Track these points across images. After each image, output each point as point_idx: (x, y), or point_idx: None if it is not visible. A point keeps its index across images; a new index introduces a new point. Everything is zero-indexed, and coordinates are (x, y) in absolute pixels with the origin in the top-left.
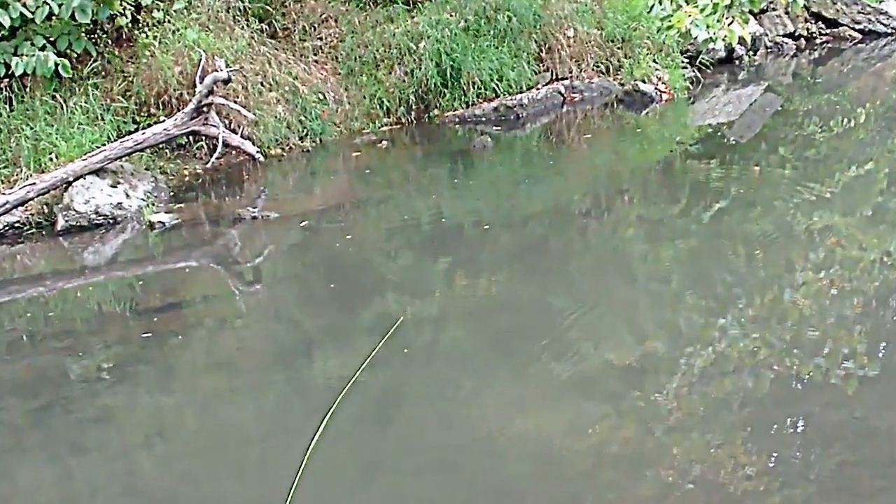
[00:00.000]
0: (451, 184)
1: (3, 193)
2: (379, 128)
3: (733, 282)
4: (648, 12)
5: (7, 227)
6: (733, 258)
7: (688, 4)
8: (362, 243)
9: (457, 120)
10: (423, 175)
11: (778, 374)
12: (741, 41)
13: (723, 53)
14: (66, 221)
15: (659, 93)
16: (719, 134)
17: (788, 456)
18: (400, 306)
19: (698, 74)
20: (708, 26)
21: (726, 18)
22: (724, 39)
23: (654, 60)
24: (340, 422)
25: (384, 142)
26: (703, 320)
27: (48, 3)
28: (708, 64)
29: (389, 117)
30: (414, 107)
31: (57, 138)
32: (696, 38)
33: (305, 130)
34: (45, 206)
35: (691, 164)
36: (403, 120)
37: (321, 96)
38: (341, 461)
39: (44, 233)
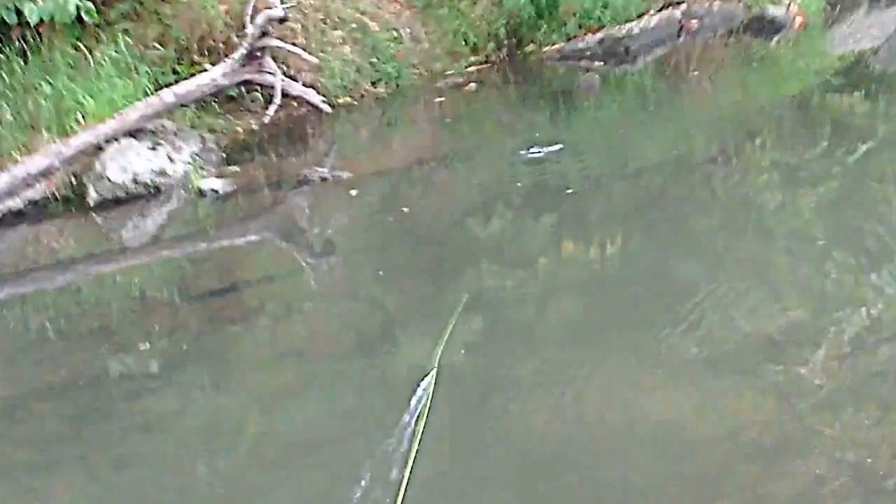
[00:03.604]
0: (553, 131)
1: (22, 164)
2: (465, 68)
3: (886, 233)
4: None
5: (29, 204)
6: (885, 207)
7: None
8: (450, 205)
9: (556, 56)
10: (519, 122)
11: None
12: None
13: None
14: (99, 194)
15: (791, 17)
16: (862, 63)
17: None
18: (497, 278)
19: None
20: None
21: None
22: None
23: None
24: (433, 417)
25: (472, 84)
26: (854, 280)
27: None
28: None
29: (477, 55)
30: (505, 42)
31: (83, 95)
32: None
33: (378, 74)
34: (72, 177)
35: (831, 98)
36: (493, 58)
37: (395, 34)
38: (438, 467)
39: (73, 208)
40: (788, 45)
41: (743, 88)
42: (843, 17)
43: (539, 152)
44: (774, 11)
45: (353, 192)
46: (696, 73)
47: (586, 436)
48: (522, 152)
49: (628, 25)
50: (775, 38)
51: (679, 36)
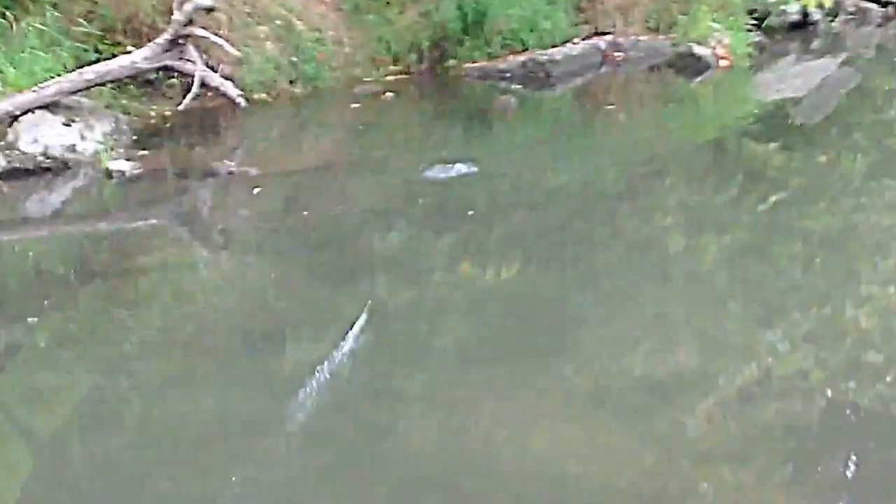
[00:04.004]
0: (464, 149)
1: None
2: (384, 76)
3: (786, 288)
4: None
5: None
6: (788, 261)
7: None
8: (353, 211)
9: (476, 74)
10: (431, 136)
11: (831, 401)
12: (818, 4)
13: (796, 17)
14: (9, 162)
15: (717, 58)
16: (783, 112)
17: (837, 501)
18: (390, 290)
19: (765, 40)
20: None
21: None
22: (800, 2)
23: (715, 20)
24: (312, 426)
25: (389, 93)
26: (748, 331)
27: None
28: (777, 28)
29: (397, 65)
30: (427, 54)
31: (4, 63)
32: None
33: (297, 74)
34: None
35: (747, 145)
36: (413, 69)
37: (319, 34)
38: (305, 476)
39: None
40: (711, 86)
41: (659, 126)
42: (770, 63)
43: (448, 173)
44: (700, 50)
45: (256, 190)
46: (613, 105)
47: (465, 459)
48: (430, 173)
49: (552, 50)
50: (698, 78)
51: (601, 66)
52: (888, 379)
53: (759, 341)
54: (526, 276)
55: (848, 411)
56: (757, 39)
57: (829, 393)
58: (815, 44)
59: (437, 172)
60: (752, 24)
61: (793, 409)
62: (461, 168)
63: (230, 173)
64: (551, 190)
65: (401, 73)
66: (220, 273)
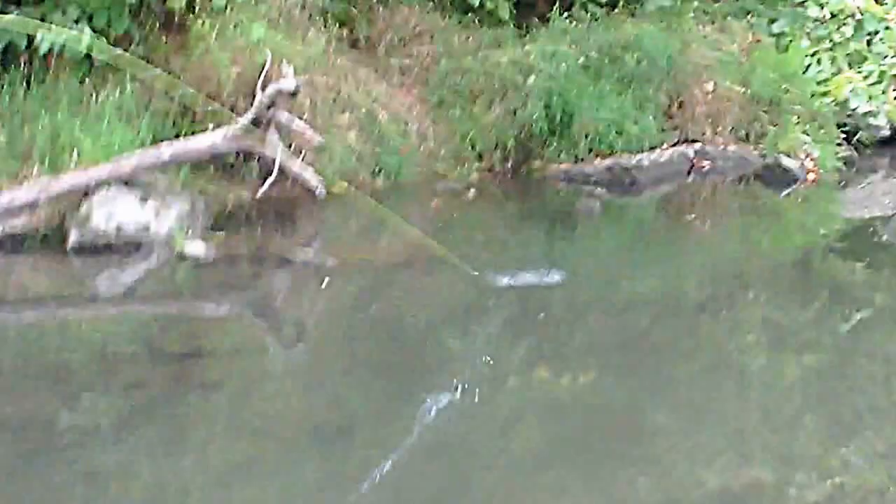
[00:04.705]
0: (545, 252)
1: (7, 192)
2: (467, 174)
3: (865, 408)
4: (804, 72)
5: (7, 236)
6: (869, 382)
7: (850, 69)
8: (429, 310)
9: (561, 176)
10: (512, 237)
11: None
12: None
13: (887, 132)
14: (81, 237)
15: (805, 171)
16: (871, 230)
17: None
18: (463, 394)
19: (854, 154)
20: (870, 97)
21: (894, 90)
22: (888, 113)
23: (805, 132)
24: None
25: (471, 191)
26: (824, 448)
27: None
28: (868, 143)
29: (481, 162)
30: (512, 154)
31: (81, 133)
32: (854, 109)
33: (379, 166)
34: (57, 215)
35: (833, 262)
36: (497, 168)
37: (403, 127)
38: None
39: (51, 247)
40: (798, 199)
41: (745, 238)
42: (859, 178)
43: (526, 276)
44: (789, 163)
45: (326, 281)
46: (699, 215)
47: None
48: (507, 274)
49: (639, 156)
50: (786, 191)
51: (689, 174)
52: None
53: (834, 458)
54: (603, 384)
55: None
56: (846, 153)
57: None
58: None
59: (513, 274)
60: (842, 138)
61: None
62: (541, 272)
63: (306, 263)
64: (632, 298)
65: (484, 170)
66: (291, 362)
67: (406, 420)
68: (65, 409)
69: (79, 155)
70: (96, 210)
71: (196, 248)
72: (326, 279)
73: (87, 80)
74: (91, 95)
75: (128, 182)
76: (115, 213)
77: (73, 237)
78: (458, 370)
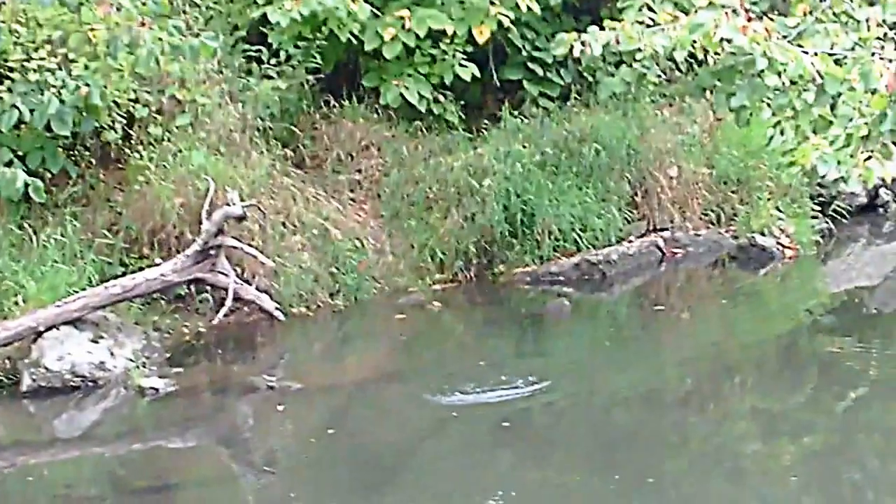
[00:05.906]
0: (517, 357)
1: None
2: (429, 286)
3: (866, 484)
4: (767, 145)
5: None
6: (869, 456)
7: (816, 135)
8: (401, 428)
9: (527, 279)
10: (482, 346)
11: None
12: (883, 182)
13: (863, 199)
14: (34, 381)
15: (781, 248)
16: (857, 302)
17: None
18: None
19: (831, 225)
20: (839, 162)
21: (862, 153)
22: (859, 178)
23: (777, 208)
24: None
25: (435, 303)
26: None
27: (17, 108)
28: (844, 212)
29: (443, 273)
30: (474, 261)
31: (24, 277)
32: (823, 176)
33: (337, 285)
34: (6, 361)
35: (821, 340)
36: (460, 277)
37: (358, 243)
38: None
39: (4, 393)
40: (777, 278)
41: (725, 324)
42: (839, 250)
43: (498, 388)
44: (763, 242)
45: (281, 408)
46: (674, 304)
47: None
48: (475, 388)
49: (606, 250)
50: (763, 271)
51: (660, 264)
52: None
53: None
54: (590, 485)
55: None
56: (823, 226)
57: None
58: (886, 227)
59: (484, 386)
60: (817, 210)
61: None
62: (513, 382)
63: (270, 388)
64: (612, 396)
65: (447, 281)
66: (260, 495)
67: None
68: None
69: (24, 300)
70: (48, 352)
71: (154, 382)
72: (281, 406)
73: (26, 222)
74: (31, 238)
75: (77, 323)
76: (67, 353)
77: (26, 381)
78: (438, 488)
